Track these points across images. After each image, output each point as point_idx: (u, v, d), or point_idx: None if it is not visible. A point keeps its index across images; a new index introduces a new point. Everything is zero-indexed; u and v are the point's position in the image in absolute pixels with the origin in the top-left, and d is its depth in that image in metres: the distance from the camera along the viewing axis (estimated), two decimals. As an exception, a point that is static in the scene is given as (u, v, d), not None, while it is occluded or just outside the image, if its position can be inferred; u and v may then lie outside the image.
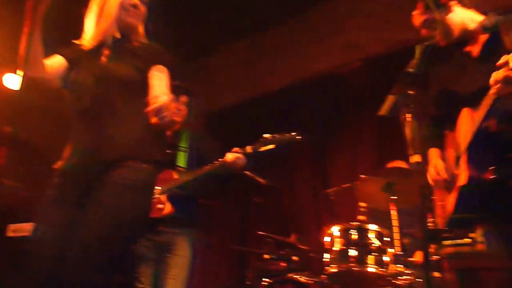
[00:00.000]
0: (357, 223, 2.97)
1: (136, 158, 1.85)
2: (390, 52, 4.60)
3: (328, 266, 2.87)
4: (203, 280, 5.37)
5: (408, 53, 1.88)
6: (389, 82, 1.87)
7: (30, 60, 1.78)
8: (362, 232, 2.87)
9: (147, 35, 2.15)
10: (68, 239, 1.71)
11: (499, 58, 1.66)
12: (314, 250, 3.74)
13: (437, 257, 2.68)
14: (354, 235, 2.87)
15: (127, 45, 2.05)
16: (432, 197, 2.15)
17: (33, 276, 1.70)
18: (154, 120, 1.69)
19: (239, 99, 5.90)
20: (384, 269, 2.76)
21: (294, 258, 3.77)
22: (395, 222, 2.96)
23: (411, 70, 1.80)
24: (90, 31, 2.06)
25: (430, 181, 2.08)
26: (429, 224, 1.84)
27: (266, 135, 2.77)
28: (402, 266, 2.84)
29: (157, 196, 2.77)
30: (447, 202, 2.00)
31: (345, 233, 2.90)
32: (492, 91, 1.68)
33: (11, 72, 4.68)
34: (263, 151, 2.75)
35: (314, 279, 3.23)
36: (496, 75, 1.64)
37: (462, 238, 3.09)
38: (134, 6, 2.06)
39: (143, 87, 1.93)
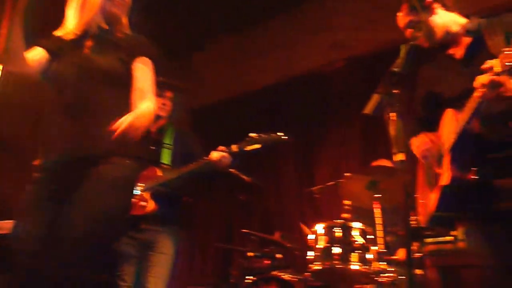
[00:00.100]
0: (341, 221, 2.99)
1: (119, 154, 1.82)
2: (376, 52, 4.63)
3: (312, 263, 2.89)
4: (187, 277, 5.36)
5: (393, 53, 1.89)
6: (374, 81, 1.88)
7: (10, 53, 1.75)
8: (346, 230, 2.89)
9: (132, 29, 2.11)
10: (50, 236, 1.68)
11: (482, 62, 1.67)
12: (298, 247, 3.76)
13: (420, 254, 2.71)
14: (338, 232, 2.89)
15: (111, 37, 2.01)
16: (415, 195, 2.17)
17: (16, 273, 1.68)
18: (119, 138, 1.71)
19: (225, 97, 5.89)
20: (367, 267, 2.78)
21: (278, 255, 3.79)
22: (378, 220, 2.99)
23: (396, 69, 1.81)
24: (72, 20, 2.01)
25: (419, 156, 2.07)
26: (411, 222, 1.86)
27: (252, 134, 2.76)
28: (385, 263, 2.87)
29: (141, 193, 2.74)
30: (429, 200, 2.02)
31: (329, 231, 2.92)
32: (477, 94, 1.70)
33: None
34: (248, 150, 2.75)
35: (298, 277, 3.25)
36: (481, 79, 1.66)
37: (444, 236, 3.14)
38: None
39: (127, 79, 1.91)
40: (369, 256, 2.82)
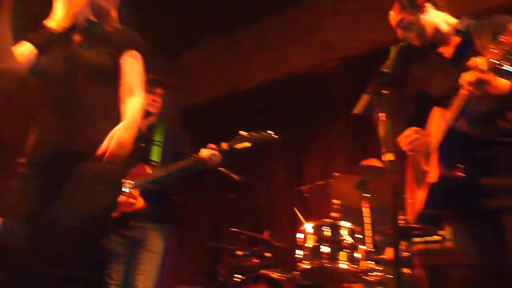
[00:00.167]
0: (330, 220, 3.00)
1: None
2: (366, 52, 4.65)
3: (301, 262, 2.90)
4: (175, 276, 5.35)
5: (383, 53, 1.91)
6: (364, 81, 1.89)
7: None
8: (335, 229, 2.91)
9: (121, 23, 2.08)
10: (38, 232, 1.67)
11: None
12: (287, 246, 3.77)
13: (407, 253, 2.73)
14: (327, 232, 2.90)
15: (99, 30, 1.99)
16: (404, 195, 2.19)
17: (9, 270, 1.66)
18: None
19: (215, 96, 5.88)
20: (355, 266, 2.80)
21: (267, 254, 3.79)
22: (367, 220, 3.00)
23: (385, 70, 1.82)
24: (60, 12, 1.98)
25: (406, 149, 2.08)
26: (400, 222, 1.87)
27: (243, 133, 2.76)
28: (373, 262, 2.89)
29: (130, 190, 2.73)
30: (416, 198, 2.04)
31: (318, 230, 2.93)
32: (463, 92, 1.72)
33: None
34: (238, 148, 2.75)
35: (287, 275, 3.25)
36: (466, 77, 1.68)
37: (431, 236, 3.16)
38: None
39: (116, 73, 1.89)
40: (357, 255, 2.84)
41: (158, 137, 3.03)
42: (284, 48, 5.42)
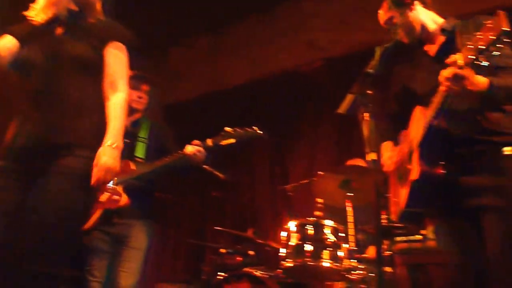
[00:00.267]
0: (314, 218, 3.02)
1: (85, 146, 1.78)
2: (351, 53, 4.68)
3: (284, 260, 2.91)
4: (158, 273, 5.32)
5: (368, 54, 1.93)
6: (349, 81, 1.91)
7: None
8: (318, 227, 2.92)
9: (106, 16, 2.04)
10: (13, 227, 1.64)
11: None
12: (271, 245, 3.77)
13: (389, 252, 2.76)
14: (310, 230, 2.91)
15: (83, 22, 1.95)
16: (387, 194, 2.21)
17: None
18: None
19: (201, 92, 5.87)
20: (338, 264, 2.82)
21: (250, 252, 3.80)
22: (350, 218, 3.03)
23: (370, 70, 1.84)
24: (41, 2, 1.94)
25: (385, 170, 2.13)
26: (382, 221, 1.90)
27: (228, 129, 2.76)
28: (356, 261, 2.91)
29: (113, 187, 2.71)
30: (399, 197, 2.06)
31: (301, 228, 2.94)
32: (442, 88, 1.74)
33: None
34: (223, 145, 2.75)
35: (270, 273, 3.26)
36: (445, 73, 1.71)
37: (414, 235, 3.20)
38: None
39: (99, 66, 1.86)
40: (340, 253, 2.86)
41: (143, 133, 3.02)
42: (270, 47, 5.43)
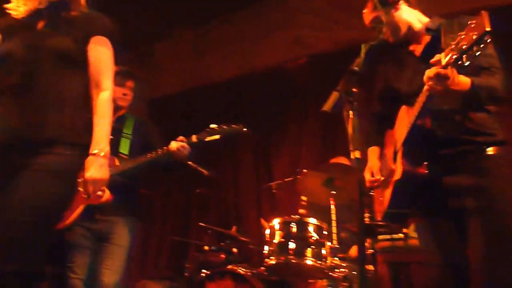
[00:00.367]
0: (297, 216, 3.02)
1: (65, 143, 1.73)
2: (337, 50, 4.69)
3: (267, 258, 2.91)
4: (141, 270, 5.29)
5: (353, 51, 1.93)
6: (334, 79, 1.90)
7: None
8: (302, 225, 2.93)
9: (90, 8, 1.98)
10: None
11: None
12: (254, 242, 3.77)
13: (371, 251, 2.78)
14: (294, 228, 2.92)
15: (65, 15, 1.89)
16: (371, 193, 2.22)
17: None
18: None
19: (185, 88, 5.84)
20: (321, 262, 2.83)
21: (234, 250, 3.79)
22: (333, 217, 3.04)
23: (355, 68, 1.84)
24: None
25: (366, 183, 2.16)
26: (365, 219, 1.90)
27: (213, 125, 2.75)
28: (338, 259, 2.93)
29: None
30: (384, 197, 2.07)
31: (285, 226, 2.94)
32: (425, 87, 1.76)
33: None
34: (208, 141, 2.73)
35: (253, 271, 3.26)
36: (428, 72, 1.72)
37: (396, 233, 3.23)
38: None
39: (82, 60, 1.82)
40: (323, 251, 2.87)
41: (127, 129, 2.99)
42: (255, 43, 5.42)
